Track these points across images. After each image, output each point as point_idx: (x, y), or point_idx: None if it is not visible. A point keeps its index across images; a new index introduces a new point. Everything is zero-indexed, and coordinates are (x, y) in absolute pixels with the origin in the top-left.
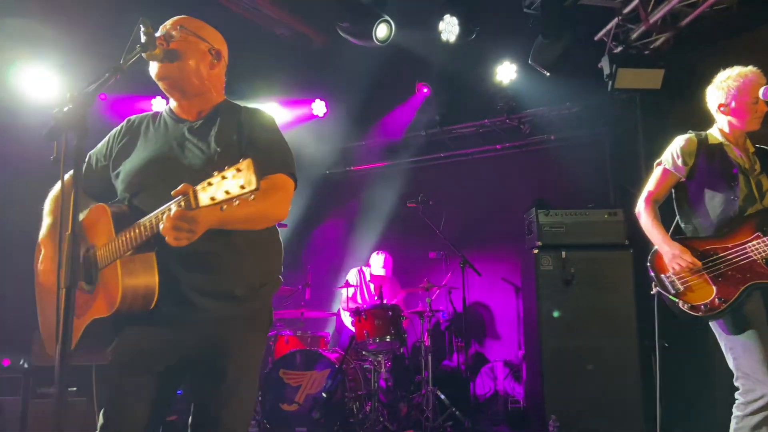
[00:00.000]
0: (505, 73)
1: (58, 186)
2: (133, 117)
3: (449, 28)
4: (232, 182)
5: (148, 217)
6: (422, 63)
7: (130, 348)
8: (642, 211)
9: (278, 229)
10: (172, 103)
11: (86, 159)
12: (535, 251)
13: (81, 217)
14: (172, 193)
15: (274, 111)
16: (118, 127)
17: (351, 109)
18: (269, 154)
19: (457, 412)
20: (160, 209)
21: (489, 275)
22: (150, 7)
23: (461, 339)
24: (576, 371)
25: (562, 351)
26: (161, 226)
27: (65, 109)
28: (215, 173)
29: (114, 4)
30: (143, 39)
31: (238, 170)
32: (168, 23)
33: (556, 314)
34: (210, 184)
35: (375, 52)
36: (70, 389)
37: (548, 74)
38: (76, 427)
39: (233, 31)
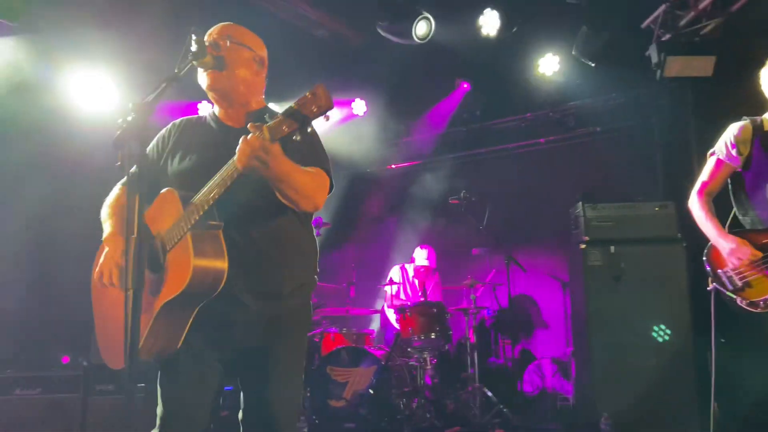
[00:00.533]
0: (548, 65)
1: (114, 192)
2: (178, 120)
3: (489, 22)
4: (305, 106)
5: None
6: (462, 58)
7: (185, 343)
8: (694, 204)
9: (322, 227)
10: (217, 110)
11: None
12: (583, 246)
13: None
14: (249, 126)
15: None
16: (166, 130)
17: (391, 107)
18: (314, 151)
19: (504, 409)
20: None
21: (534, 271)
22: (192, 12)
23: (507, 336)
24: (628, 369)
25: (613, 348)
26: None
27: (129, 118)
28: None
29: (160, 13)
30: (194, 48)
31: (310, 94)
32: (215, 32)
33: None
34: (278, 117)
35: (414, 50)
36: (106, 387)
37: (593, 65)
38: (137, 422)
39: (272, 34)
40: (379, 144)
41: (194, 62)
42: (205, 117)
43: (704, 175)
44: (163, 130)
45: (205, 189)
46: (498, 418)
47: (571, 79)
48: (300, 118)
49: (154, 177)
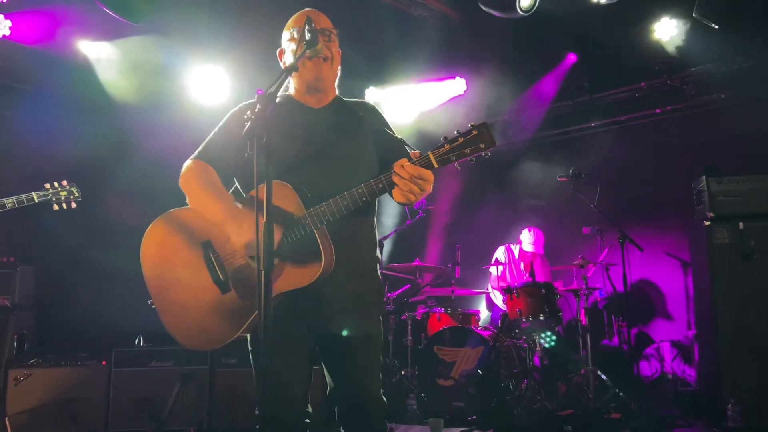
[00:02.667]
0: (665, 29)
1: (190, 165)
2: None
3: None
4: (470, 142)
5: (357, 187)
6: (568, 28)
7: (284, 320)
8: None
9: (425, 209)
10: (293, 92)
11: (215, 134)
12: (707, 223)
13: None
14: (411, 154)
15: (413, 92)
16: (245, 110)
17: (493, 83)
18: (402, 145)
19: (621, 394)
20: (370, 181)
21: (651, 250)
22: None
23: (622, 318)
24: (757, 353)
25: (741, 331)
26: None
27: (256, 109)
28: (454, 135)
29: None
30: (307, 36)
31: (476, 132)
32: (320, 21)
33: None
34: (445, 146)
35: (516, 23)
36: (230, 360)
37: (716, 27)
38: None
39: (371, 15)
40: (482, 122)
41: (308, 50)
42: (283, 99)
43: None
44: (243, 110)
45: (339, 198)
46: (614, 402)
47: (690, 43)
48: (466, 152)
49: (235, 153)
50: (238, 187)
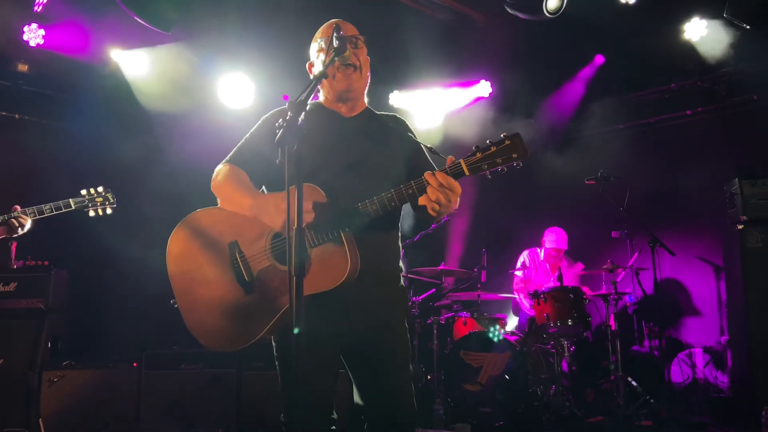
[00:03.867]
0: (695, 30)
1: (224, 169)
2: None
3: None
4: (502, 151)
5: (386, 192)
6: (595, 29)
7: (309, 325)
8: None
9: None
10: (325, 99)
11: (247, 140)
12: (740, 227)
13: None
14: (447, 159)
15: (438, 96)
16: (278, 116)
17: (518, 85)
18: (432, 155)
19: (651, 400)
20: (400, 187)
21: (682, 254)
22: (321, 11)
23: (653, 323)
24: None
25: None
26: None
27: (287, 117)
28: (486, 143)
29: (293, 14)
30: (336, 43)
31: (509, 141)
32: (347, 29)
33: None
34: (477, 154)
35: (542, 25)
36: (257, 363)
37: (747, 27)
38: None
39: (394, 20)
40: (506, 125)
41: (336, 58)
42: (312, 105)
43: None
44: (273, 115)
45: (368, 202)
46: (644, 409)
47: (721, 44)
48: (498, 161)
49: (266, 156)
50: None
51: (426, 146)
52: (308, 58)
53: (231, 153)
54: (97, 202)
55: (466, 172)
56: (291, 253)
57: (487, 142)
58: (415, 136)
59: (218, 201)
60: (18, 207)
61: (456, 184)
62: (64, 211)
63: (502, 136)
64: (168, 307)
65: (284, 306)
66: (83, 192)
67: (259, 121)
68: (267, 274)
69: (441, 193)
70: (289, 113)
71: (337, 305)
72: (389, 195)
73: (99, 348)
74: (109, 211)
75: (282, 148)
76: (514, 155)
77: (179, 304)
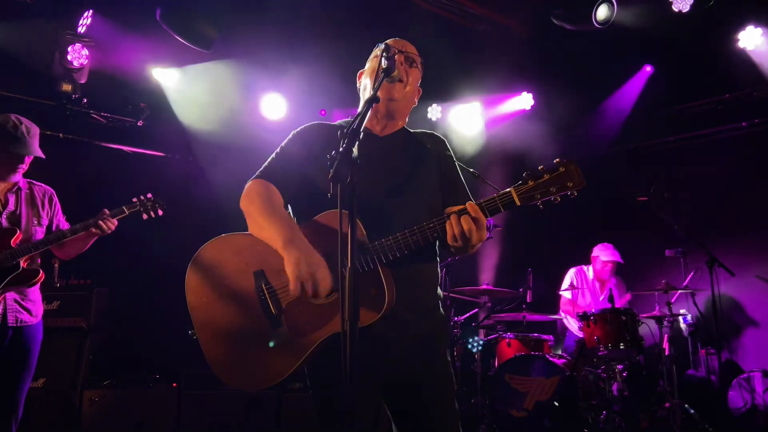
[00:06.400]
0: (750, 38)
1: (256, 188)
2: (321, 124)
3: None
4: (556, 180)
5: (428, 221)
6: (645, 39)
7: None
8: None
9: (494, 230)
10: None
11: (279, 155)
12: None
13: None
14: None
15: (478, 109)
16: (313, 133)
17: (562, 98)
18: (465, 186)
19: (710, 429)
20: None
21: (741, 273)
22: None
23: (711, 346)
24: None
25: None
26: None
27: (341, 148)
28: (538, 170)
29: (331, 29)
30: (384, 64)
31: (564, 168)
32: (404, 47)
33: None
34: (529, 182)
35: (588, 35)
36: (295, 385)
37: None
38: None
39: (434, 33)
40: (551, 138)
41: (385, 79)
42: (344, 124)
43: None
44: (309, 131)
45: (408, 233)
46: None
47: None
48: (552, 190)
49: (303, 172)
50: (290, 211)
51: (471, 171)
52: (358, 69)
53: (261, 168)
54: (147, 205)
55: (518, 202)
56: (344, 295)
57: (540, 168)
58: (453, 156)
59: (247, 222)
60: (107, 210)
61: (482, 218)
62: (118, 218)
63: (555, 162)
64: None
65: (315, 342)
66: (134, 200)
67: (290, 135)
68: (297, 307)
69: (473, 234)
70: (342, 143)
71: (374, 341)
72: (431, 225)
73: (138, 366)
74: (160, 212)
75: (334, 183)
76: (570, 184)
77: (198, 336)
